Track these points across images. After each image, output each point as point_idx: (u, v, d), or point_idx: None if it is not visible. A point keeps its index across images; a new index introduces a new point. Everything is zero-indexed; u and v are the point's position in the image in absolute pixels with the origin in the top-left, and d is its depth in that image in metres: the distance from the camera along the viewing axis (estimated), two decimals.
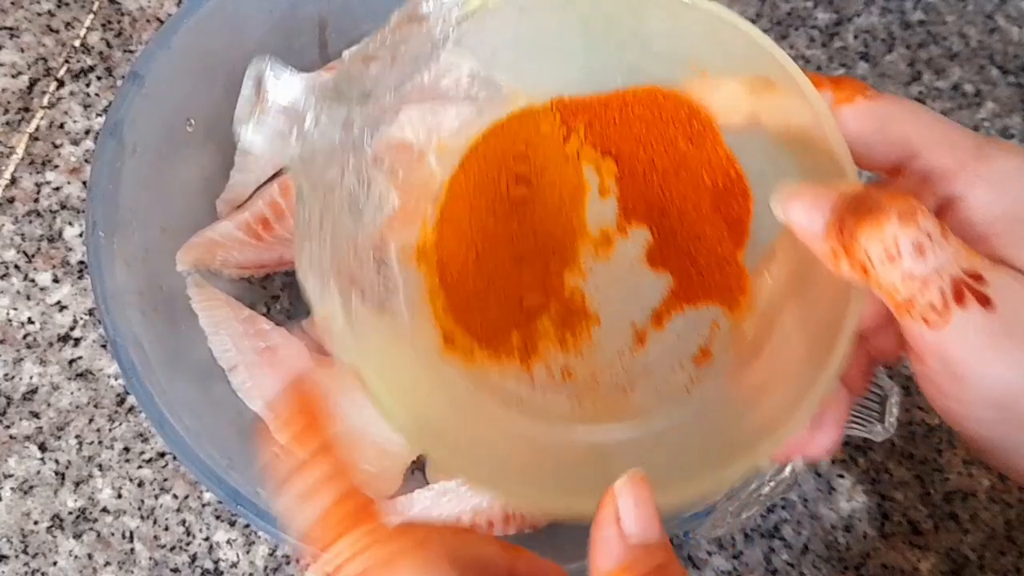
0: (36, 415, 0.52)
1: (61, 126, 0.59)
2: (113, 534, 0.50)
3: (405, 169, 0.37)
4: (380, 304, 0.36)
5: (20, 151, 0.58)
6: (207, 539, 0.50)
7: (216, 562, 0.50)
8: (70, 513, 0.50)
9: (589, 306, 0.37)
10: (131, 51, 0.62)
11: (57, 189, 0.57)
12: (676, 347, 0.37)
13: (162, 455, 0.52)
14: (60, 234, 0.56)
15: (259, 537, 0.51)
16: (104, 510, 0.50)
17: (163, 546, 0.50)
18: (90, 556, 0.49)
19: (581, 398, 0.37)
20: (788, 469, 0.44)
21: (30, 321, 0.54)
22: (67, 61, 0.61)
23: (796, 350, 0.33)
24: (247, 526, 0.51)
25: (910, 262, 0.26)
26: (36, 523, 0.50)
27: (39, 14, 0.62)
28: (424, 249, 0.38)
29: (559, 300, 0.37)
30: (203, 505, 0.51)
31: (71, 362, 0.53)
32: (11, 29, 0.61)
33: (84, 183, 0.57)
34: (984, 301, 0.26)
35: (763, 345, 0.35)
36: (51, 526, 0.50)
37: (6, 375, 0.53)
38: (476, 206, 0.37)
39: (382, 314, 0.36)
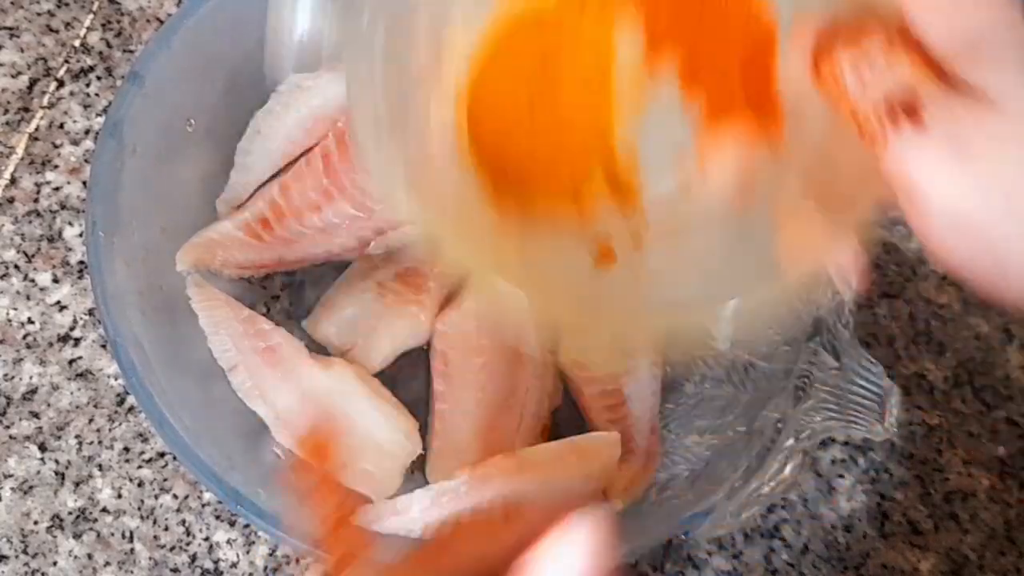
0: (36, 415, 0.52)
1: (61, 126, 0.59)
2: (113, 534, 0.50)
3: None
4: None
5: (20, 151, 0.58)
6: (207, 539, 0.50)
7: (216, 562, 0.50)
8: (70, 513, 0.50)
9: (631, 164, 0.36)
10: (131, 51, 0.62)
11: (57, 189, 0.57)
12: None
13: (162, 455, 0.52)
14: (60, 234, 0.56)
15: (259, 537, 0.51)
16: (104, 510, 0.50)
17: (163, 546, 0.50)
18: (90, 556, 0.49)
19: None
20: (788, 469, 0.44)
21: (30, 321, 0.54)
22: (67, 61, 0.61)
23: (838, 179, 0.33)
24: (247, 526, 0.51)
25: (852, 83, 0.27)
26: (36, 523, 0.50)
27: (39, 14, 0.62)
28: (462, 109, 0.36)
29: (603, 163, 0.36)
30: (203, 505, 0.51)
31: (71, 362, 0.53)
32: (11, 29, 0.61)
33: (84, 183, 0.57)
34: (916, 120, 0.26)
35: (804, 175, 0.34)
36: (51, 526, 0.50)
37: (6, 375, 0.53)
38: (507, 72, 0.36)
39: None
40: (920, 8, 0.27)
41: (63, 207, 0.57)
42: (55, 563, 0.49)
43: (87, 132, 0.59)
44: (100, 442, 0.52)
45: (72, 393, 0.53)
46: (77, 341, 0.54)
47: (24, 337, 0.54)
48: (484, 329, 0.54)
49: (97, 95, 0.60)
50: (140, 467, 0.51)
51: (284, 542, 0.43)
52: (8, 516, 0.50)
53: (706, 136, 0.36)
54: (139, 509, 0.50)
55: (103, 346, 0.54)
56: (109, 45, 0.62)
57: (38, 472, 0.51)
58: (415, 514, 0.46)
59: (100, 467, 0.51)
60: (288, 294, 0.55)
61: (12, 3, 0.62)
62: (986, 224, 0.27)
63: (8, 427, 0.52)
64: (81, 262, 0.56)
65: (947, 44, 0.26)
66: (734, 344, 0.54)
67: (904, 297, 0.61)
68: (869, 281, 0.31)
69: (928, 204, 0.27)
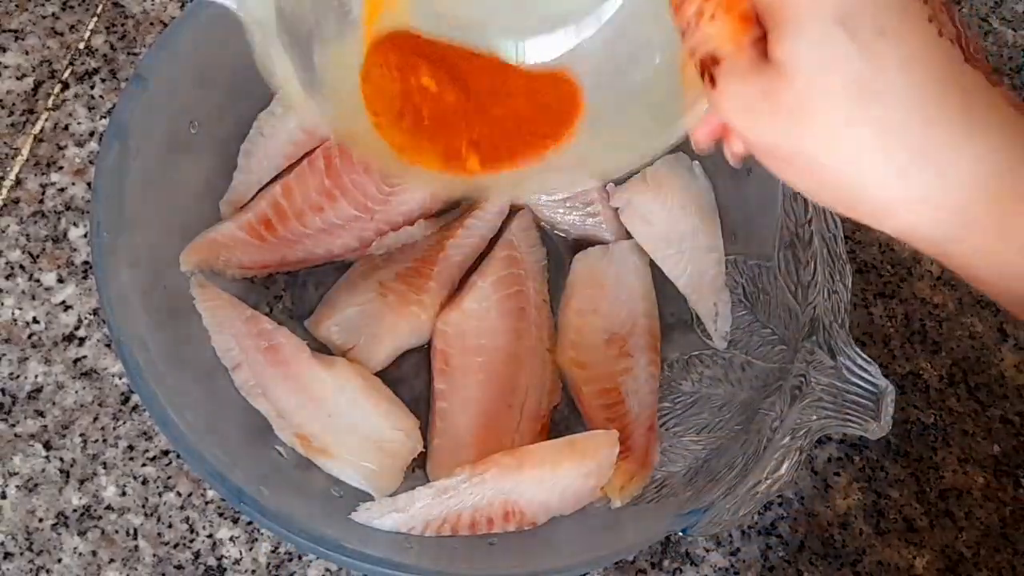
0: (41, 414, 0.52)
1: (66, 128, 0.60)
2: (117, 531, 0.50)
3: None
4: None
5: (25, 153, 0.59)
6: (210, 536, 0.51)
7: (219, 559, 0.50)
8: (75, 511, 0.51)
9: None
10: (135, 54, 0.62)
11: (62, 190, 0.58)
12: None
13: (166, 453, 0.52)
14: (65, 235, 0.57)
15: (262, 534, 0.51)
16: (108, 508, 0.51)
17: (167, 543, 0.50)
18: (94, 553, 0.50)
19: None
20: (784, 466, 0.45)
21: (35, 321, 0.55)
22: (71, 63, 0.62)
23: None
24: (250, 523, 0.51)
25: (684, 27, 0.30)
26: (41, 521, 0.50)
27: (44, 17, 0.63)
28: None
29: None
30: (206, 503, 0.51)
31: (76, 361, 0.54)
32: (16, 32, 0.62)
33: (88, 184, 0.58)
34: (711, 79, 0.30)
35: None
36: (56, 523, 0.50)
37: (11, 374, 0.53)
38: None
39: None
40: None
41: (68, 208, 0.57)
42: (60, 560, 0.49)
43: (91, 134, 0.60)
44: (104, 440, 0.52)
45: (77, 392, 0.53)
46: (82, 340, 0.54)
47: (29, 336, 0.54)
48: (484, 329, 0.54)
49: (101, 97, 0.61)
50: (144, 465, 0.52)
51: (287, 539, 0.43)
52: (13, 514, 0.50)
53: None
54: (143, 507, 0.51)
55: (107, 345, 0.54)
56: (113, 48, 0.62)
57: (43, 470, 0.51)
58: (416, 511, 0.46)
59: (104, 465, 0.52)
60: (290, 294, 0.55)
61: (17, 6, 0.63)
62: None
63: (13, 425, 0.52)
64: (86, 262, 0.56)
65: (764, 9, 0.28)
66: (731, 343, 0.54)
67: (899, 297, 0.62)
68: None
69: (753, 152, 0.31)
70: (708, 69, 0.30)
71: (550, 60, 0.41)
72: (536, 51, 0.41)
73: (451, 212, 0.58)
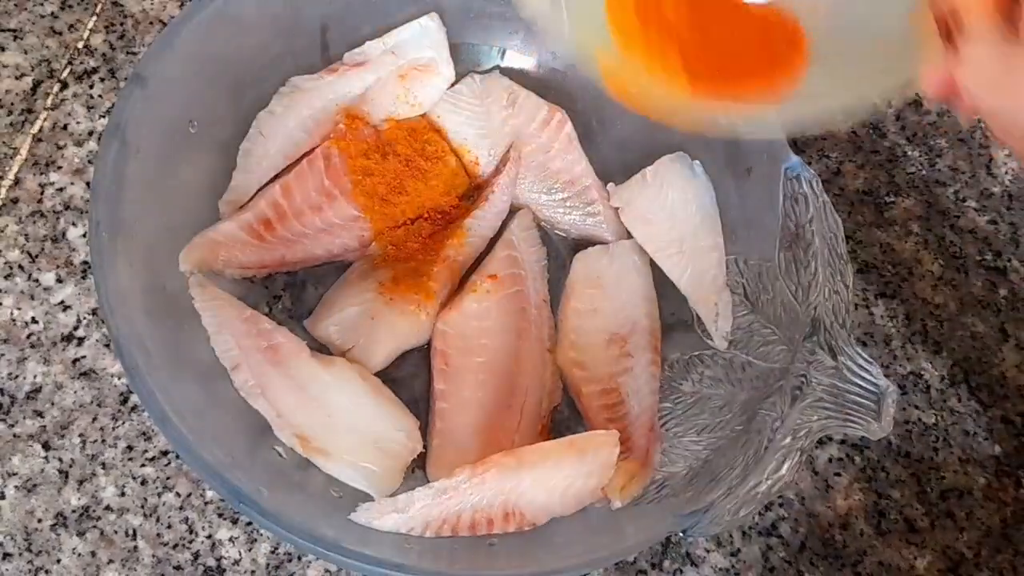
0: (40, 414, 0.52)
1: (64, 127, 0.60)
2: (116, 532, 0.50)
3: None
4: None
5: (24, 152, 0.59)
6: (209, 537, 0.51)
7: (219, 560, 0.50)
8: (74, 511, 0.50)
9: None
10: (134, 53, 0.62)
11: (61, 190, 0.58)
12: None
13: (165, 453, 0.52)
14: (64, 234, 0.57)
15: (261, 535, 0.51)
16: (107, 508, 0.51)
17: (166, 544, 0.50)
18: (93, 554, 0.50)
19: None
20: (785, 467, 0.45)
21: (34, 321, 0.54)
22: (70, 63, 0.62)
23: None
24: (249, 524, 0.51)
25: None
26: (40, 521, 0.50)
27: (43, 16, 0.63)
28: None
29: None
30: (205, 503, 0.51)
31: (75, 361, 0.54)
32: (15, 31, 0.62)
33: (87, 184, 0.58)
34: (950, 42, 0.29)
35: None
36: (55, 524, 0.50)
37: (10, 374, 0.53)
38: None
39: None
40: None
41: (67, 208, 0.57)
42: (59, 561, 0.49)
43: (90, 133, 0.59)
44: (103, 441, 0.52)
45: (76, 392, 0.53)
46: (81, 341, 0.54)
47: (28, 336, 0.54)
48: (484, 329, 0.54)
49: (100, 97, 0.61)
50: (143, 465, 0.52)
51: (286, 540, 0.43)
52: (12, 514, 0.50)
53: None
54: (142, 507, 0.51)
55: (106, 345, 0.54)
56: (112, 47, 0.62)
57: (42, 470, 0.51)
58: (416, 511, 0.46)
59: (103, 465, 0.52)
60: (290, 294, 0.55)
61: (16, 5, 0.63)
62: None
63: (12, 426, 0.52)
64: (85, 262, 0.56)
65: None
66: (732, 344, 0.54)
67: (900, 297, 0.61)
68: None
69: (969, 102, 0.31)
70: (948, 28, 0.29)
71: None
72: None
73: (451, 211, 0.58)
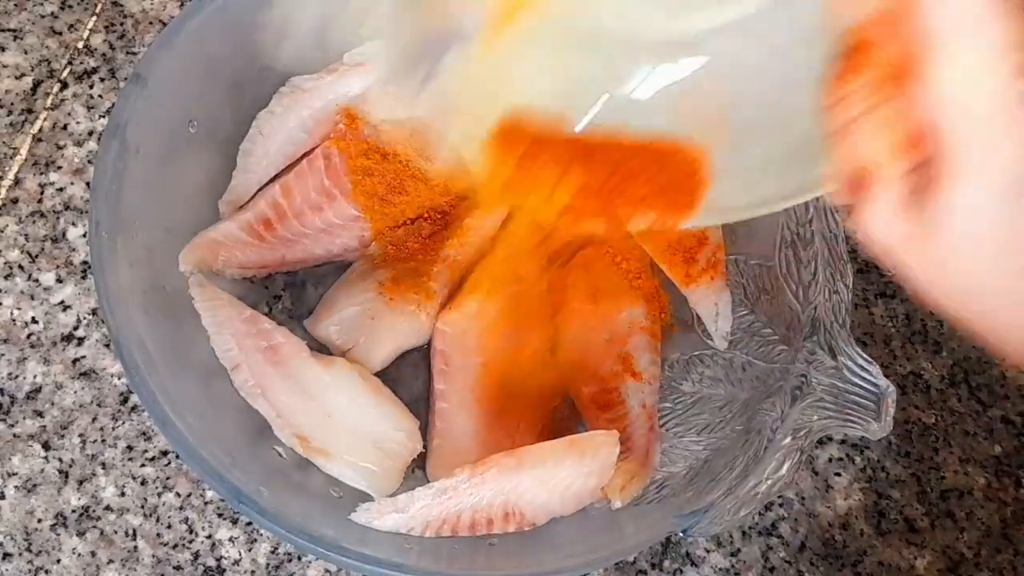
0: (40, 414, 0.52)
1: (64, 127, 0.59)
2: (116, 532, 0.50)
3: None
4: None
5: (24, 152, 0.59)
6: (209, 537, 0.51)
7: (218, 560, 0.50)
8: (73, 511, 0.50)
9: None
10: (134, 53, 0.62)
11: (61, 190, 0.58)
12: None
13: (165, 453, 0.52)
14: (64, 235, 0.57)
15: (261, 535, 0.51)
16: (107, 508, 0.51)
17: (166, 544, 0.50)
18: (93, 554, 0.50)
19: None
20: (785, 467, 0.45)
21: (34, 321, 0.54)
22: (70, 63, 0.62)
23: None
24: (249, 524, 0.51)
25: (838, 113, 0.29)
26: (40, 521, 0.50)
27: (43, 16, 0.63)
28: None
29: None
30: (205, 503, 0.51)
31: (75, 361, 0.54)
32: (15, 31, 0.62)
33: (87, 184, 0.58)
34: (851, 192, 0.29)
35: None
36: (55, 524, 0.50)
37: (10, 374, 0.53)
38: None
39: None
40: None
41: (67, 208, 0.57)
42: (59, 561, 0.49)
43: (90, 133, 0.59)
44: (103, 441, 0.52)
45: (76, 392, 0.53)
46: (81, 341, 0.54)
47: (28, 336, 0.54)
48: (484, 329, 0.54)
49: (100, 97, 0.61)
50: (143, 465, 0.52)
51: (286, 540, 0.43)
52: (12, 514, 0.50)
53: None
54: (142, 507, 0.51)
55: (106, 345, 0.54)
56: (112, 47, 0.62)
57: (42, 470, 0.51)
58: (416, 511, 0.46)
59: (103, 465, 0.52)
60: (290, 294, 0.55)
61: (16, 5, 0.63)
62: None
63: (12, 426, 0.52)
64: (85, 262, 0.56)
65: (940, 146, 0.26)
66: (732, 344, 0.54)
67: (900, 297, 0.61)
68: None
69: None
70: (852, 182, 0.28)
71: (682, 79, 0.38)
72: (667, 73, 0.38)
73: (451, 211, 0.58)
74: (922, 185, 0.27)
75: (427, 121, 0.42)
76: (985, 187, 0.26)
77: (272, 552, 0.51)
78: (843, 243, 0.49)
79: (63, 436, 0.52)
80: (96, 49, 0.62)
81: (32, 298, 0.55)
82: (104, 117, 0.60)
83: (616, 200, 0.38)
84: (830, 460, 0.56)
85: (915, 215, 0.28)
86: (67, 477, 0.51)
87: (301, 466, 0.48)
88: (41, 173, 0.58)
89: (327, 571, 0.51)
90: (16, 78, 0.60)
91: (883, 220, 0.28)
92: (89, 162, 0.59)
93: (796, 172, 0.35)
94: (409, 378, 0.54)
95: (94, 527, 0.50)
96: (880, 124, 0.27)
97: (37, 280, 0.55)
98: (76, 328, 0.55)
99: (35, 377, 0.53)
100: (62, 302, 0.55)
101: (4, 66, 0.61)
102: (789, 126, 0.35)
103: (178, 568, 0.50)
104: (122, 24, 0.63)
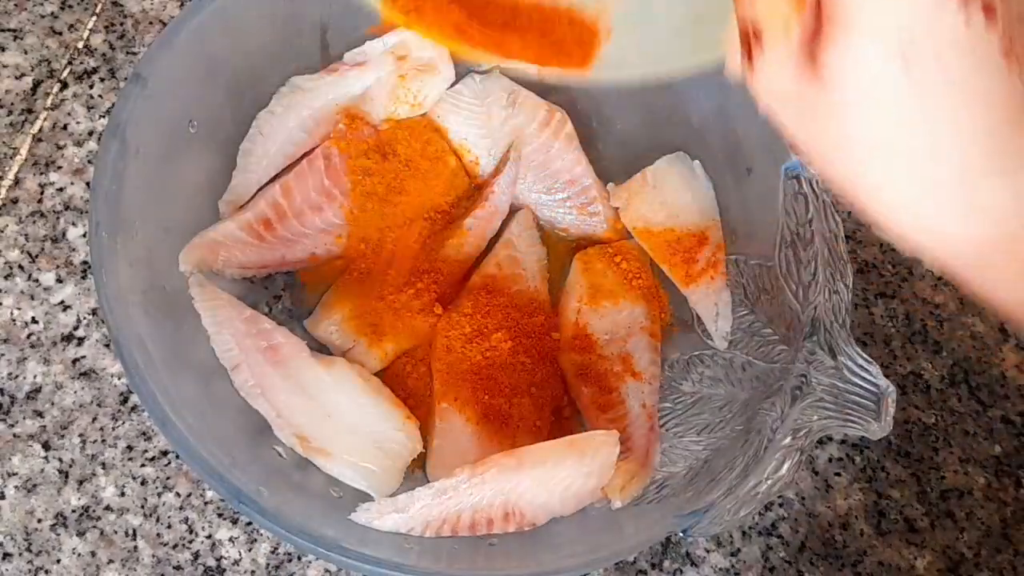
0: (40, 414, 0.52)
1: (64, 127, 0.59)
2: (116, 532, 0.50)
3: None
4: None
5: (24, 152, 0.59)
6: (209, 537, 0.51)
7: (219, 560, 0.50)
8: (73, 511, 0.50)
9: None
10: (134, 53, 0.62)
11: (61, 190, 0.58)
12: None
13: (165, 453, 0.52)
14: (64, 234, 0.57)
15: (261, 535, 0.51)
16: (107, 508, 0.51)
17: (166, 544, 0.50)
18: (93, 554, 0.50)
19: None
20: (785, 467, 0.45)
21: (34, 321, 0.54)
22: (70, 63, 0.62)
23: None
24: (249, 524, 0.51)
25: None
26: (40, 521, 0.50)
27: (43, 16, 0.63)
28: None
29: None
30: (205, 503, 0.51)
31: (75, 361, 0.54)
32: (15, 31, 0.62)
33: (87, 184, 0.58)
34: (747, 52, 0.28)
35: None
36: (55, 524, 0.50)
37: (10, 374, 0.53)
38: None
39: None
40: None
41: (67, 208, 0.57)
42: (59, 561, 0.49)
43: (90, 133, 0.59)
44: (103, 441, 0.52)
45: (76, 392, 0.53)
46: (81, 340, 0.54)
47: (28, 336, 0.54)
48: (484, 328, 0.54)
49: (100, 96, 0.61)
50: (143, 465, 0.52)
51: (286, 540, 0.43)
52: (12, 514, 0.50)
53: None
54: (142, 507, 0.51)
55: (106, 345, 0.54)
56: (112, 47, 0.62)
57: (42, 470, 0.51)
58: (416, 511, 0.46)
59: (103, 465, 0.52)
60: (290, 294, 0.55)
61: (16, 5, 0.63)
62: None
63: (12, 426, 0.52)
64: (84, 262, 0.56)
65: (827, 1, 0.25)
66: (732, 344, 0.54)
67: (900, 297, 0.61)
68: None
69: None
70: (747, 38, 0.27)
71: None
72: None
73: (451, 211, 0.58)
74: (809, 49, 0.26)
75: None
76: (879, 46, 0.24)
77: (272, 552, 0.51)
78: (843, 243, 0.49)
79: (63, 436, 0.52)
80: (96, 49, 0.62)
81: (32, 298, 0.55)
82: (104, 117, 0.60)
83: (508, 35, 0.39)
84: (830, 460, 0.56)
85: (803, 72, 0.26)
86: (67, 477, 0.51)
87: (301, 466, 0.48)
88: (41, 173, 0.58)
89: (327, 571, 0.51)
90: (16, 78, 0.60)
91: (773, 74, 0.27)
92: (89, 162, 0.59)
93: (693, 36, 0.35)
94: (409, 378, 0.54)
95: (94, 527, 0.50)
96: None
97: (37, 280, 0.55)
98: (76, 328, 0.55)
99: (35, 377, 0.53)
100: (62, 302, 0.55)
101: (4, 66, 0.61)
102: None
103: (178, 568, 0.50)
104: (122, 24, 0.63)
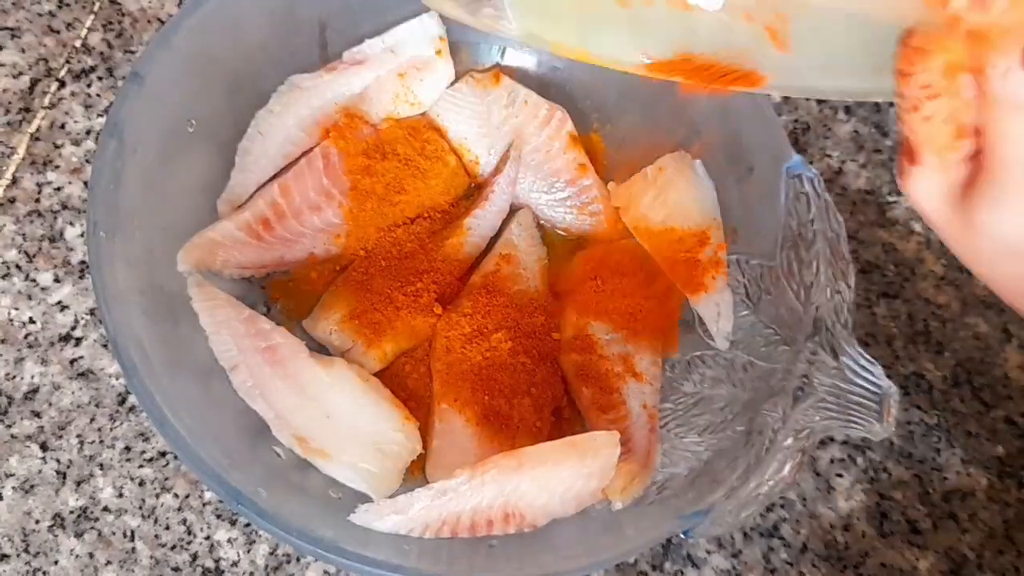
0: (37, 414, 0.52)
1: (62, 126, 0.59)
2: (114, 533, 0.50)
3: None
4: None
5: (21, 151, 0.58)
6: (208, 538, 0.50)
7: (217, 561, 0.50)
8: (71, 512, 0.50)
9: None
10: (132, 51, 0.62)
11: (58, 189, 0.58)
12: None
13: (163, 454, 0.52)
14: (61, 234, 0.56)
15: (260, 536, 0.51)
16: (105, 509, 0.50)
17: (164, 545, 0.50)
18: (91, 555, 0.49)
19: None
20: (787, 468, 0.44)
21: (31, 321, 0.54)
22: (68, 61, 0.61)
23: None
24: (248, 525, 0.51)
25: (906, 92, 0.29)
26: (37, 522, 0.50)
27: (40, 15, 0.62)
28: None
29: None
30: (204, 504, 0.51)
31: (72, 362, 0.54)
32: (12, 30, 0.62)
33: (85, 183, 0.58)
34: (906, 156, 0.30)
35: None
36: (52, 525, 0.50)
37: (7, 375, 0.53)
38: None
39: None
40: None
41: (64, 207, 0.57)
42: (56, 562, 0.49)
43: (88, 132, 0.59)
44: (101, 441, 0.52)
45: (73, 392, 0.53)
46: (78, 341, 0.54)
47: (26, 337, 0.54)
48: (484, 329, 0.54)
49: (98, 95, 0.60)
50: (141, 466, 0.52)
51: (284, 541, 0.43)
52: (10, 515, 0.50)
53: None
54: (140, 508, 0.51)
55: (104, 346, 0.54)
56: (110, 45, 0.62)
57: (39, 471, 0.51)
58: (415, 513, 0.46)
59: (101, 466, 0.51)
60: (290, 294, 0.55)
61: (13, 4, 0.63)
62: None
63: (10, 426, 0.52)
64: (82, 262, 0.56)
65: (989, 151, 0.27)
66: (733, 344, 0.54)
67: (903, 297, 0.61)
68: None
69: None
70: (906, 147, 0.29)
71: None
72: None
73: (451, 211, 0.58)
74: (971, 177, 0.28)
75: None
76: (1020, 212, 0.27)
77: (271, 553, 0.50)
78: (845, 243, 0.48)
79: (61, 437, 0.52)
80: (94, 48, 0.62)
81: (29, 298, 0.55)
82: (102, 116, 0.60)
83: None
84: (832, 461, 0.56)
85: (954, 205, 0.29)
86: (65, 478, 0.51)
87: (300, 467, 0.48)
88: (39, 172, 0.58)
89: (326, 572, 0.51)
90: (13, 77, 0.60)
91: (923, 191, 0.29)
92: (87, 161, 0.58)
93: (874, 57, 0.35)
94: (409, 378, 0.53)
95: (92, 528, 0.50)
96: (934, 117, 0.28)
97: (34, 280, 0.55)
98: (74, 328, 0.54)
99: (33, 377, 0.53)
100: (60, 302, 0.55)
101: (1, 65, 0.61)
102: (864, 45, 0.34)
103: (176, 569, 0.50)
104: (120, 23, 0.63)
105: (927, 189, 0.29)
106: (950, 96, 0.28)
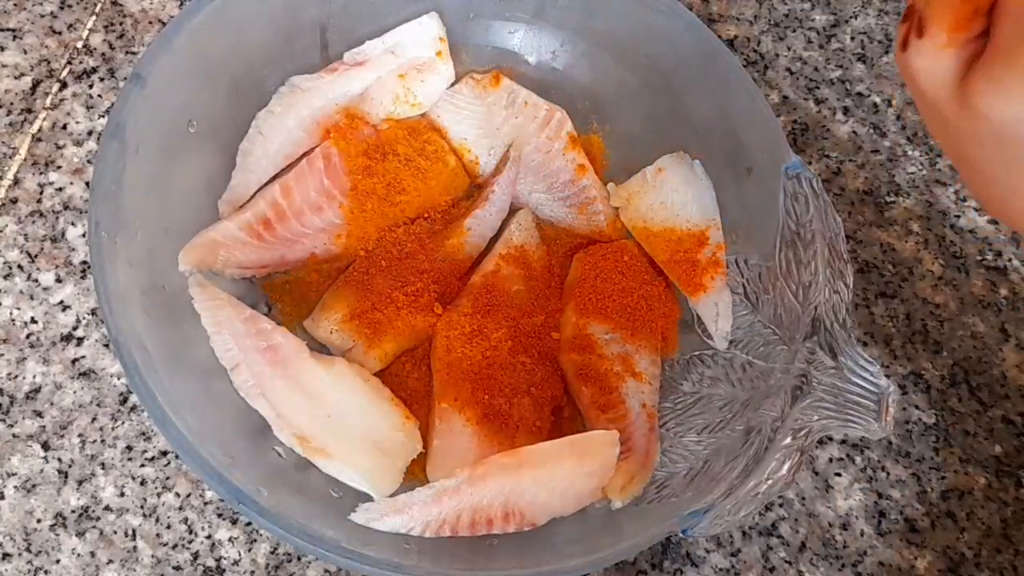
0: (39, 414, 0.52)
1: (64, 127, 0.59)
2: (116, 532, 0.50)
3: None
4: None
5: (23, 152, 0.59)
6: (209, 537, 0.51)
7: (218, 560, 0.50)
8: (73, 511, 0.50)
9: None
10: (133, 52, 0.62)
11: (60, 190, 0.58)
12: None
13: (164, 454, 0.52)
14: (63, 234, 0.57)
15: (261, 535, 0.51)
16: (107, 508, 0.51)
17: (165, 544, 0.50)
18: (93, 554, 0.50)
19: None
20: (785, 467, 0.45)
21: (33, 321, 0.54)
22: (70, 62, 0.61)
23: None
24: (249, 524, 0.51)
25: None
26: (39, 521, 0.50)
27: (42, 16, 0.63)
28: None
29: None
30: (205, 503, 0.51)
31: (74, 361, 0.54)
32: (14, 31, 0.62)
33: (87, 184, 0.58)
34: (904, 36, 0.29)
35: None
36: (54, 524, 0.50)
37: (9, 374, 0.53)
38: None
39: None
40: None
41: (66, 207, 0.57)
42: (58, 561, 0.49)
43: (90, 133, 0.59)
44: (103, 441, 0.52)
45: (75, 392, 0.53)
46: (80, 341, 0.54)
47: (27, 336, 0.54)
48: (484, 328, 0.54)
49: (100, 96, 0.61)
50: (143, 466, 0.52)
51: (285, 540, 0.43)
52: (11, 514, 0.50)
53: None
54: (141, 507, 0.51)
55: (106, 345, 0.54)
56: (112, 46, 0.62)
57: (41, 471, 0.51)
58: (416, 512, 0.46)
59: (103, 466, 0.51)
60: (289, 294, 0.55)
61: (15, 5, 0.63)
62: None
63: (11, 426, 0.52)
64: (84, 262, 0.56)
65: (997, 27, 0.26)
66: (732, 344, 0.54)
67: (901, 297, 0.61)
68: None
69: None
70: (913, 15, 0.28)
71: None
72: None
73: (451, 211, 0.58)
74: (974, 57, 0.27)
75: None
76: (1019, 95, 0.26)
77: (272, 552, 0.51)
78: (843, 243, 0.49)
79: (62, 436, 0.52)
80: (95, 49, 0.62)
81: (31, 298, 0.55)
82: (103, 117, 0.60)
83: None
84: (830, 460, 0.56)
85: (952, 85, 0.27)
86: (66, 477, 0.51)
87: (301, 466, 0.48)
88: (40, 173, 0.58)
89: (327, 571, 0.51)
90: (15, 78, 0.60)
91: (923, 66, 0.28)
92: (88, 162, 0.59)
93: None
94: (409, 378, 0.54)
95: (93, 527, 0.50)
96: None
97: (36, 280, 0.55)
98: (75, 328, 0.54)
99: (34, 377, 0.53)
100: (61, 302, 0.55)
101: (3, 66, 0.61)
102: None
103: (178, 568, 0.50)
104: (121, 24, 0.63)
105: (929, 66, 0.28)
106: None
